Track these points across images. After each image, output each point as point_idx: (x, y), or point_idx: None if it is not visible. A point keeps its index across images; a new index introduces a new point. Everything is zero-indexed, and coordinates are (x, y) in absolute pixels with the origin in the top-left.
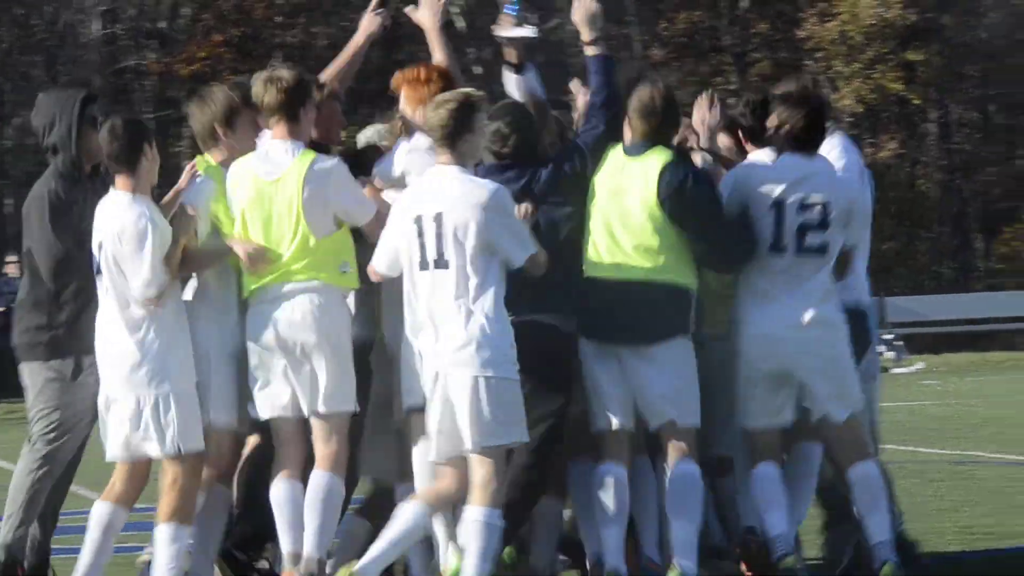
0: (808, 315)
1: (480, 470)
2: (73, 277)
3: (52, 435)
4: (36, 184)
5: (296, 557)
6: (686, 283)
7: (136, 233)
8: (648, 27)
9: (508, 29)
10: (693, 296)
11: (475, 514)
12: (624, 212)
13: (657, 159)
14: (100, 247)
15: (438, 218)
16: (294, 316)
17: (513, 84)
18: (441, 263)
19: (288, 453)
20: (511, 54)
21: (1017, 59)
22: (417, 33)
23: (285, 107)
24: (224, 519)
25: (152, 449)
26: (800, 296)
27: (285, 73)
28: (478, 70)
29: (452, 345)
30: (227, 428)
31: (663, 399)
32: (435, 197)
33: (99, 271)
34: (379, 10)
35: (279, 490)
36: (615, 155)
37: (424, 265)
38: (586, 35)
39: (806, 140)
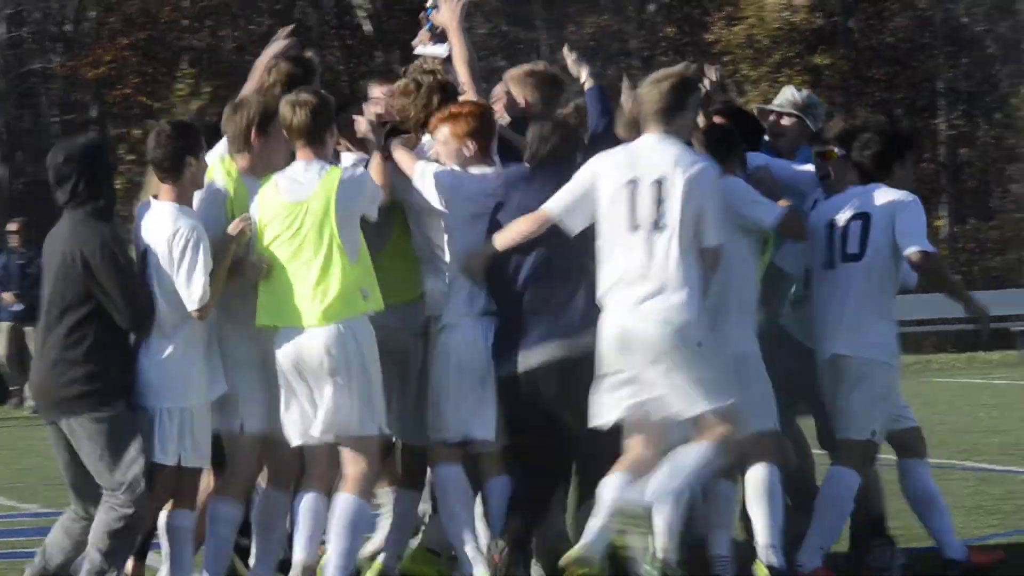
0: None
1: (715, 428)
2: (150, 318)
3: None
4: (69, 235)
5: (309, 570)
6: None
7: (188, 243)
8: (556, 31)
9: (425, 46)
10: None
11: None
12: None
13: None
14: (144, 256)
15: (658, 183)
16: (318, 344)
17: (433, 51)
18: (660, 225)
19: (317, 473)
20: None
21: (921, 63)
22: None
23: (312, 129)
24: (283, 526)
25: (158, 456)
26: None
27: (311, 96)
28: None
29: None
30: (259, 434)
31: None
32: (654, 164)
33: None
34: (288, 39)
35: (304, 501)
36: None
37: (635, 227)
38: (583, 71)
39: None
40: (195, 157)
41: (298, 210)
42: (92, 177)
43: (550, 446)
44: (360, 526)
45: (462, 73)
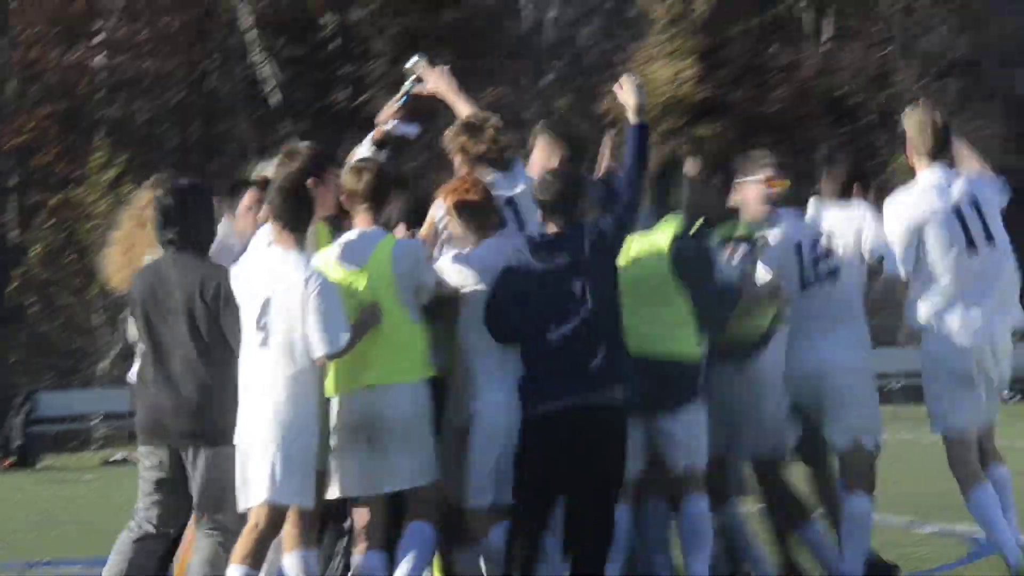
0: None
1: None
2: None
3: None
4: (189, 273)
5: None
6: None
7: (317, 292)
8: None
9: (394, 125)
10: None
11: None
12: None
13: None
14: (264, 304)
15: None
16: (375, 403)
17: (365, 150)
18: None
19: (373, 528)
20: (380, 133)
21: (803, 132)
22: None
23: (374, 195)
24: None
25: (257, 492)
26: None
27: (373, 163)
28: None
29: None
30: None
31: (679, 453)
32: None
33: (257, 327)
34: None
35: (364, 561)
36: None
37: (972, 247)
38: (632, 104)
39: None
40: (309, 212)
41: (356, 279)
42: (199, 218)
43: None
44: (432, 545)
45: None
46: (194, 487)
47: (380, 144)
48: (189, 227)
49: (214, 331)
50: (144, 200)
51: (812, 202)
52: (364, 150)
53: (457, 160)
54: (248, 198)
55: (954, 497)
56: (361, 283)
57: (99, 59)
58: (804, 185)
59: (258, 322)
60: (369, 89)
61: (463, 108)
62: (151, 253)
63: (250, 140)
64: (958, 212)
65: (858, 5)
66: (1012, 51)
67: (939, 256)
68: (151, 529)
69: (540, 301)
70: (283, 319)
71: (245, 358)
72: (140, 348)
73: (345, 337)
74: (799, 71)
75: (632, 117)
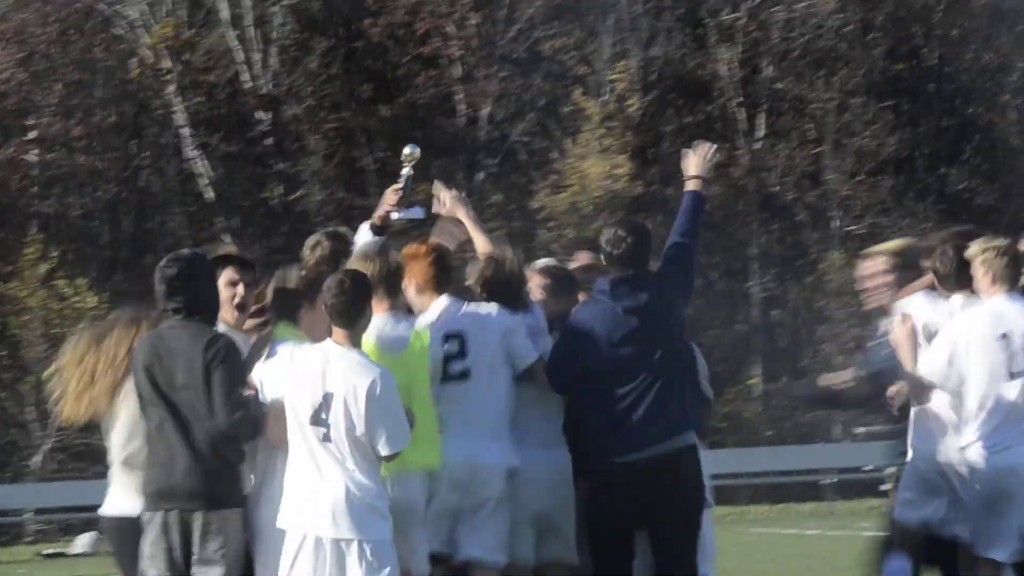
0: None
1: None
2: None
3: None
4: (193, 340)
5: None
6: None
7: (384, 391)
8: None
9: (399, 210)
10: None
11: None
12: None
13: None
14: (324, 401)
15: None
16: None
17: (365, 236)
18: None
19: None
20: (379, 219)
21: (736, 229)
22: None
23: (390, 281)
24: None
25: None
26: None
27: (392, 254)
28: (227, 239)
29: None
30: None
31: None
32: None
33: (315, 422)
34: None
35: None
36: None
37: (1012, 376)
38: (694, 173)
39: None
40: (370, 304)
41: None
42: (203, 286)
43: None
44: None
45: (478, 238)
46: (198, 550)
47: (378, 230)
48: (193, 295)
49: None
50: (114, 339)
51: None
52: (363, 236)
53: (477, 289)
54: (225, 275)
55: None
56: (408, 364)
57: (33, 154)
58: (737, 280)
59: (317, 416)
60: (303, 185)
61: (481, 240)
62: (106, 384)
63: (183, 235)
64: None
65: (790, 103)
66: (944, 149)
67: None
68: None
69: (610, 348)
70: (347, 415)
71: (297, 449)
72: (144, 422)
73: (410, 436)
74: (732, 168)
75: (691, 185)
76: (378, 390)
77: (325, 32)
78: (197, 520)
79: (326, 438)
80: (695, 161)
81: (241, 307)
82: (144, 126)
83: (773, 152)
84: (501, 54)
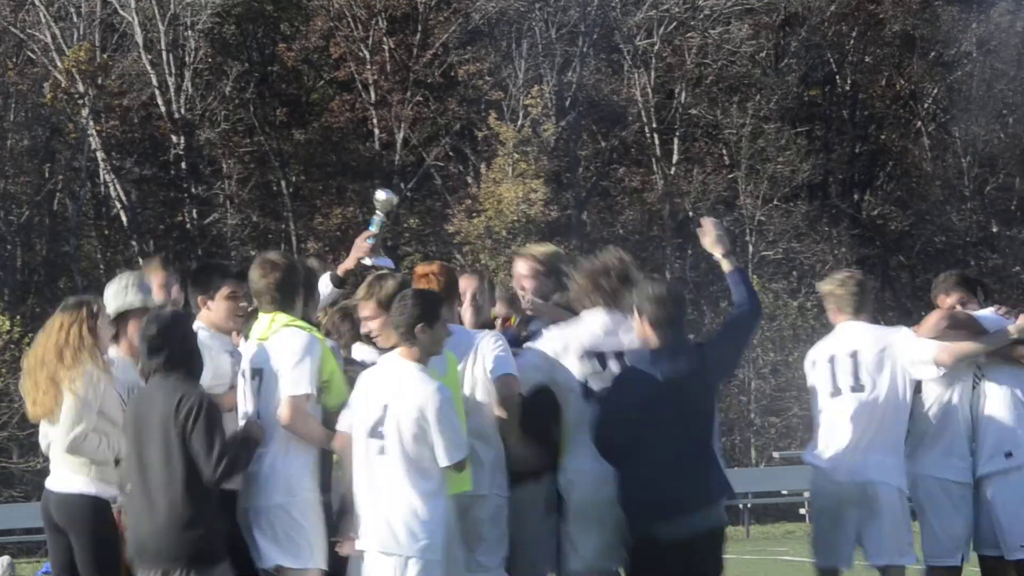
0: None
1: None
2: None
3: None
4: (168, 396)
5: None
6: None
7: (443, 406)
8: (304, 222)
9: (371, 257)
10: None
11: None
12: None
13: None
14: (383, 414)
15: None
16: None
17: (325, 288)
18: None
19: None
20: (345, 270)
21: (651, 253)
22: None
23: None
24: None
25: None
26: None
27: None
28: (141, 262)
29: None
30: None
31: None
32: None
33: (372, 434)
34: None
35: None
36: None
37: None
38: (720, 253)
39: None
40: (436, 321)
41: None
42: (182, 344)
43: None
44: None
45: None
46: None
47: (340, 282)
48: (171, 353)
49: (189, 451)
50: (56, 324)
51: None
52: (323, 288)
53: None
54: (226, 289)
55: None
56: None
57: None
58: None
59: (375, 429)
60: (217, 209)
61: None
62: (73, 377)
63: (97, 259)
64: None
65: (704, 129)
66: (858, 175)
67: None
68: None
69: (650, 413)
70: (401, 428)
71: (359, 464)
72: (127, 478)
73: (466, 449)
74: (647, 193)
75: (726, 265)
76: (434, 403)
77: (239, 56)
78: None
79: (382, 451)
80: (711, 240)
81: (241, 316)
82: (58, 150)
83: (687, 177)
84: (416, 79)
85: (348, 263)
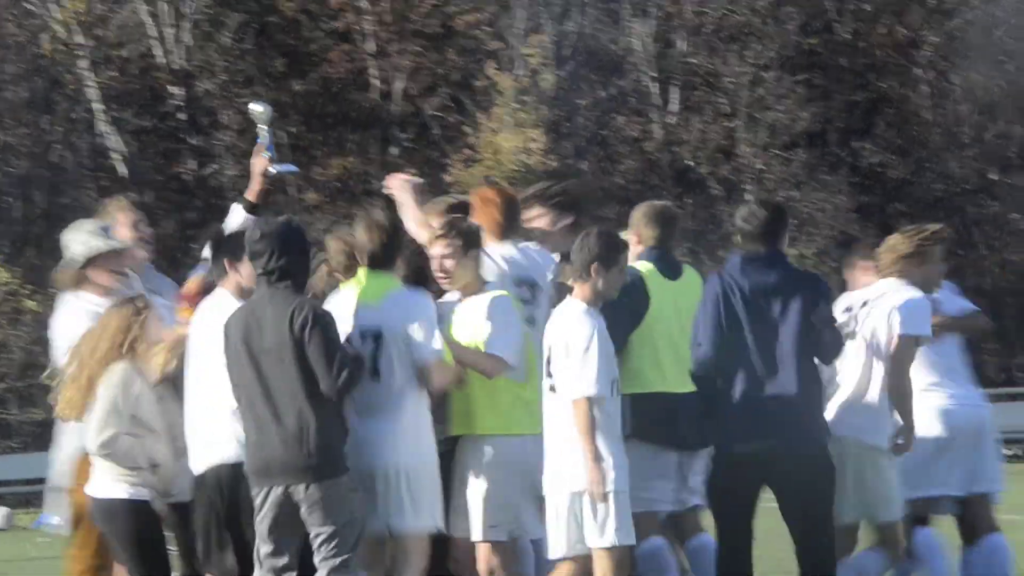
0: None
1: None
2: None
3: None
4: (281, 308)
5: None
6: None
7: (594, 339)
8: (304, 172)
9: (274, 167)
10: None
11: None
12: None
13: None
14: (549, 351)
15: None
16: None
17: (238, 218)
18: None
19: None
20: (255, 193)
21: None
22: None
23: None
24: None
25: (593, 542)
26: None
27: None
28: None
29: None
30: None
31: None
32: None
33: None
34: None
35: None
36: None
37: None
38: None
39: None
40: (606, 268)
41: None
42: (293, 252)
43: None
44: None
45: (419, 235)
46: (308, 523)
47: (252, 208)
48: (284, 261)
49: (306, 364)
50: (114, 322)
51: None
52: (236, 217)
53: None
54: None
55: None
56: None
57: None
58: None
59: (547, 369)
60: (216, 160)
61: (413, 213)
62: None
63: (96, 210)
64: None
65: (704, 78)
66: (857, 123)
67: None
68: (282, 565)
69: (744, 328)
70: (565, 366)
71: (545, 401)
72: (237, 394)
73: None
74: (646, 143)
75: None
76: (585, 339)
77: (238, 7)
78: (302, 494)
79: (552, 389)
80: None
81: None
82: (56, 101)
83: (687, 126)
84: (414, 29)
85: (255, 184)
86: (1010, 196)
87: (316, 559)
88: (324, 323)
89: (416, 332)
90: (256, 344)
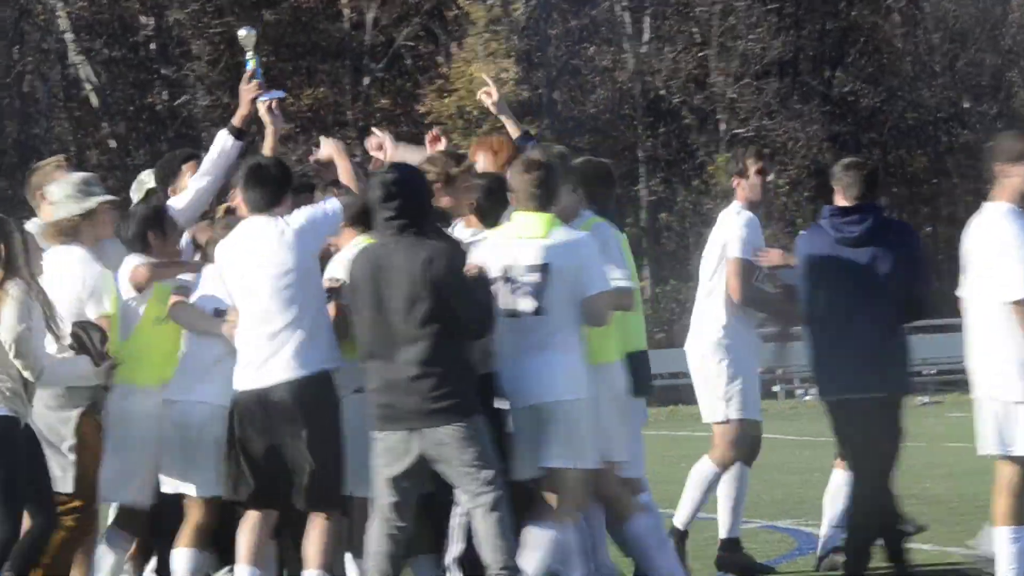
0: None
1: None
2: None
3: None
4: (416, 263)
5: None
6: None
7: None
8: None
9: (261, 95)
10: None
11: None
12: None
13: None
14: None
15: None
16: None
17: (225, 145)
18: None
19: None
20: (241, 119)
21: (622, 133)
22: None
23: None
24: None
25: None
26: None
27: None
28: (112, 144)
29: None
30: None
31: None
32: None
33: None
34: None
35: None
36: None
37: None
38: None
39: None
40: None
41: None
42: (420, 198)
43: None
44: None
45: (350, 183)
46: (445, 465)
47: (240, 134)
48: (410, 207)
49: (439, 309)
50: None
51: None
52: (221, 143)
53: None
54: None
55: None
56: None
57: None
58: (625, 184)
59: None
60: (188, 90)
61: (345, 166)
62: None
63: (68, 141)
64: None
65: (675, 7)
66: (829, 52)
67: None
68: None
69: (843, 275)
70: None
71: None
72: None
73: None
74: (618, 72)
75: None
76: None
77: None
78: (432, 436)
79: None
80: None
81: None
82: (26, 31)
83: (659, 55)
84: None
85: (243, 109)
86: (981, 124)
87: (464, 506)
88: (461, 267)
89: (589, 266)
90: (385, 291)
